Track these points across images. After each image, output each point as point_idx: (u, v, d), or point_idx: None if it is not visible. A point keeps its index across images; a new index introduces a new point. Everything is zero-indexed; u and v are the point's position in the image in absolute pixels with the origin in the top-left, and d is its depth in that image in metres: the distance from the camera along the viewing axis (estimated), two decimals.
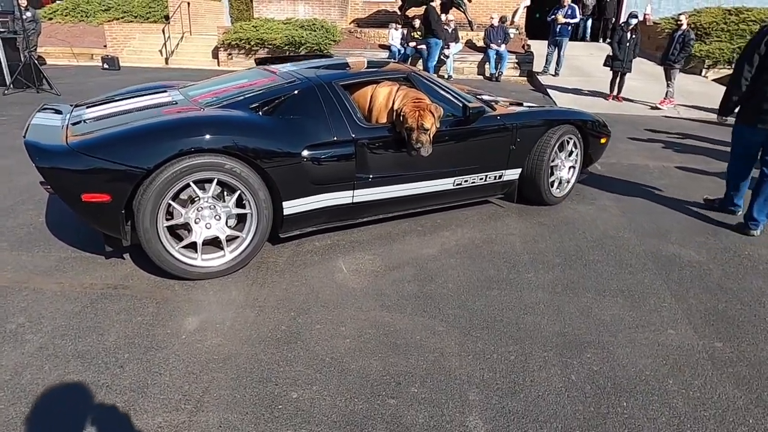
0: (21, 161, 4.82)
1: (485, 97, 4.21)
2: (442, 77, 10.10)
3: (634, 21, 8.81)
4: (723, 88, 4.02)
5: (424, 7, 11.60)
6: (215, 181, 2.72)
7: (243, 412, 1.93)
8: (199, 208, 2.78)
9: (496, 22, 11.78)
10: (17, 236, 3.28)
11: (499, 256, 3.24)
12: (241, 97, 3.09)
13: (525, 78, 12.10)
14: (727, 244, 3.52)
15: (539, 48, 12.62)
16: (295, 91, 3.11)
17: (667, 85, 8.85)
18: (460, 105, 3.47)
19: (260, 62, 4.35)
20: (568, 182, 4.18)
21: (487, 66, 12.13)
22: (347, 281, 2.90)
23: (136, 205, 2.60)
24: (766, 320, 2.63)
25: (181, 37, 14.20)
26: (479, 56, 12.44)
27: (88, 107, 3.32)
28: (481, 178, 3.71)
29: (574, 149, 4.10)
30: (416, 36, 11.93)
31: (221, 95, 3.23)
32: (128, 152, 2.55)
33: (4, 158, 4.91)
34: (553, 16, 11.12)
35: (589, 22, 14.83)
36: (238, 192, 2.80)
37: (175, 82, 4.00)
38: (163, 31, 13.62)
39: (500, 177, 3.82)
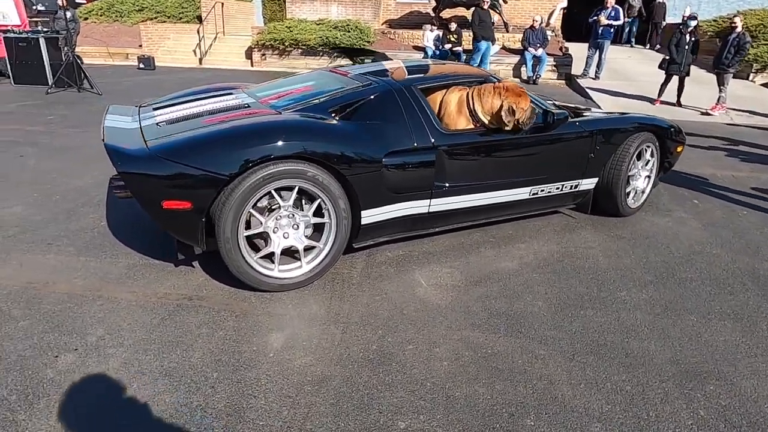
0: (74, 161, 4.79)
1: (557, 102, 4.02)
2: None
3: (693, 23, 8.48)
4: None
5: (472, 8, 11.48)
6: (296, 189, 2.59)
7: None
8: (278, 217, 2.65)
9: (537, 25, 11.52)
10: (83, 240, 3.20)
11: (584, 272, 3.05)
12: (317, 101, 2.96)
13: (563, 81, 11.84)
14: None
15: (575, 50, 12.36)
16: (374, 95, 2.97)
17: (720, 90, 8.51)
18: (541, 110, 3.29)
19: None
20: (644, 192, 3.96)
21: (523, 69, 11.89)
22: (429, 296, 2.74)
23: (216, 213, 2.48)
24: None
25: (215, 38, 14.24)
26: (515, 58, 12.21)
27: (154, 109, 3.22)
28: (558, 188, 3.53)
29: (650, 158, 3.89)
30: (452, 39, 11.77)
31: (294, 97, 3.11)
32: (212, 157, 2.43)
33: (57, 159, 4.88)
34: (595, 18, 10.84)
35: (635, 26, 14.38)
36: (318, 201, 2.67)
37: (237, 84, 3.89)
38: (198, 31, 13.67)
39: (576, 186, 3.62)
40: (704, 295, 2.83)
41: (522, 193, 3.39)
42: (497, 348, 2.32)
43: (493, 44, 11.74)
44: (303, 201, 2.70)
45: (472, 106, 3.19)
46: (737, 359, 2.30)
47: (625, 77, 11.15)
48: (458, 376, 2.13)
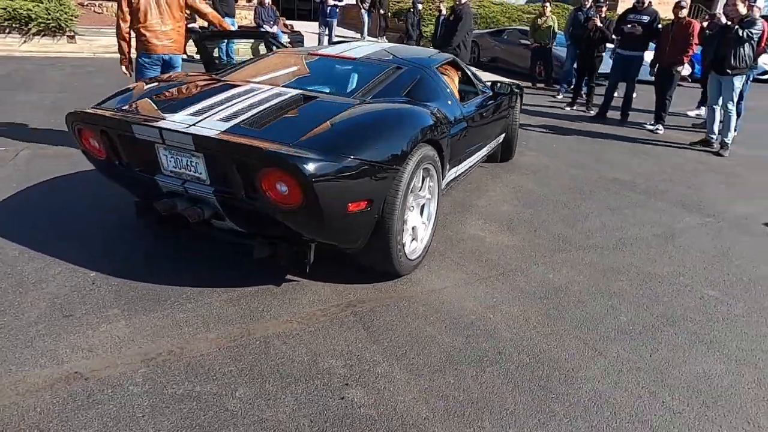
0: None
1: None
2: None
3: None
4: None
5: None
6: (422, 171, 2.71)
7: None
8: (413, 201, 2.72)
9: (267, 1, 11.68)
10: None
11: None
12: (384, 85, 2.96)
13: None
14: None
15: (299, 28, 13.23)
16: (419, 76, 3.18)
17: None
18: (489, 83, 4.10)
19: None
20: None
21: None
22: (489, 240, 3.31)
23: (387, 207, 2.41)
24: None
25: None
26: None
27: (192, 114, 2.51)
28: (497, 142, 4.46)
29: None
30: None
31: (348, 85, 3.08)
32: (384, 149, 2.35)
33: None
34: None
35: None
36: (427, 180, 2.84)
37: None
38: None
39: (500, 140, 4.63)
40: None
41: (488, 149, 4.18)
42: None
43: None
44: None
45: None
46: None
47: None
48: None
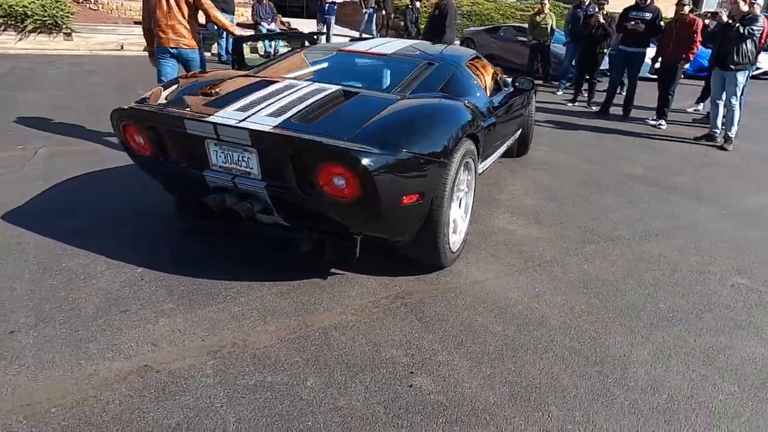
0: None
1: None
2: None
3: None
4: None
5: None
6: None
7: None
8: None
9: None
10: None
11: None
12: (420, 81, 3.00)
13: None
14: None
15: (296, 25, 13.19)
16: (452, 72, 3.23)
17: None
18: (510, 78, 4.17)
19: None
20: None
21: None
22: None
23: (437, 200, 2.46)
24: None
25: None
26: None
27: (239, 110, 2.53)
28: (514, 137, 4.53)
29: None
30: None
31: (383, 80, 3.11)
32: (431, 143, 2.40)
33: None
34: None
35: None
36: (466, 173, 2.89)
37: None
38: None
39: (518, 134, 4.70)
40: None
41: (508, 143, 4.25)
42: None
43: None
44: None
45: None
46: None
47: None
48: None
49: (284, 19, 13.46)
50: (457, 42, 11.46)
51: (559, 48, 10.06)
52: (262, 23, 11.61)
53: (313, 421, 1.75)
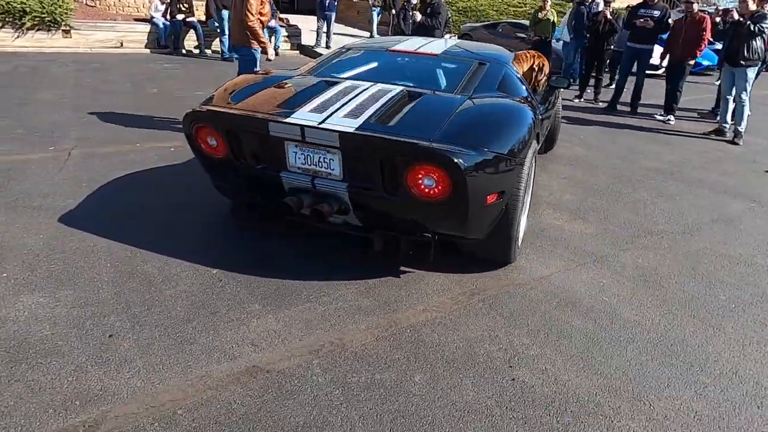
0: None
1: None
2: None
3: None
4: None
5: None
6: None
7: None
8: None
9: None
10: None
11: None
12: (478, 81, 3.05)
13: (297, 52, 12.46)
14: None
15: (294, 22, 13.10)
16: (504, 71, 3.28)
17: None
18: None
19: None
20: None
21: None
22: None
23: (513, 199, 2.52)
24: None
25: None
26: None
27: (312, 111, 2.54)
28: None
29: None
30: (183, 8, 10.60)
31: (439, 80, 3.18)
32: (510, 142, 2.46)
33: None
34: None
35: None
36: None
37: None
38: None
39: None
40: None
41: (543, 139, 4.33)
42: None
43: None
44: None
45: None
46: None
47: None
48: None
49: (282, 16, 13.34)
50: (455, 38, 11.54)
51: (556, 45, 10.19)
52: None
53: (432, 416, 1.81)
